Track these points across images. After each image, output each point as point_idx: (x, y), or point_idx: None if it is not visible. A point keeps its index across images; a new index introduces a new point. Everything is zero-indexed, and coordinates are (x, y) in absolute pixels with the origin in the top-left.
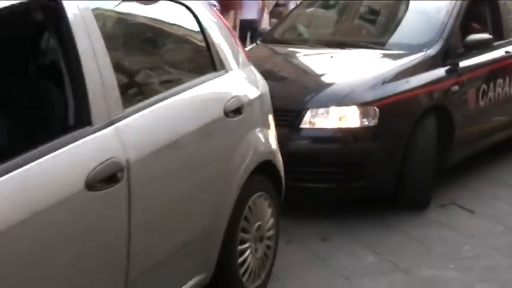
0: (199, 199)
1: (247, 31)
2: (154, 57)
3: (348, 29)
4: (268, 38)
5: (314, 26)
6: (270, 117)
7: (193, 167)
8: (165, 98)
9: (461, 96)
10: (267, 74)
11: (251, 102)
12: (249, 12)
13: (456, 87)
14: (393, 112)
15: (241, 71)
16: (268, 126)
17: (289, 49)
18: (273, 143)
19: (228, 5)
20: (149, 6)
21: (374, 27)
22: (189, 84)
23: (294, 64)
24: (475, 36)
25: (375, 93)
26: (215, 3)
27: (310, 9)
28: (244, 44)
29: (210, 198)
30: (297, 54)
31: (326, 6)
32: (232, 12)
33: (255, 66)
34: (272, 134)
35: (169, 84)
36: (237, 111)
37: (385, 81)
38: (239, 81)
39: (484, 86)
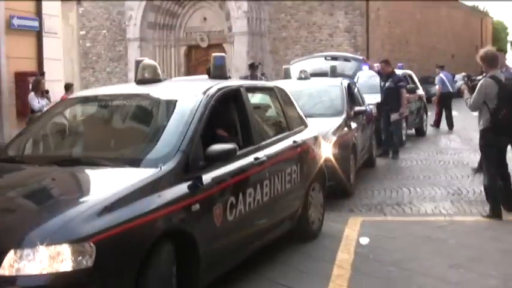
0: None
1: None
2: None
3: (94, 142)
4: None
5: (62, 135)
6: None
7: None
8: None
9: (204, 215)
10: None
11: None
12: None
13: (197, 206)
14: (115, 246)
15: None
16: None
17: (10, 170)
18: None
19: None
20: None
21: (115, 138)
22: None
23: (5, 190)
24: (217, 147)
25: (92, 225)
26: None
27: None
28: None
29: None
30: (14, 177)
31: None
32: None
33: None
34: None
35: None
36: None
37: (105, 209)
38: None
39: (232, 199)
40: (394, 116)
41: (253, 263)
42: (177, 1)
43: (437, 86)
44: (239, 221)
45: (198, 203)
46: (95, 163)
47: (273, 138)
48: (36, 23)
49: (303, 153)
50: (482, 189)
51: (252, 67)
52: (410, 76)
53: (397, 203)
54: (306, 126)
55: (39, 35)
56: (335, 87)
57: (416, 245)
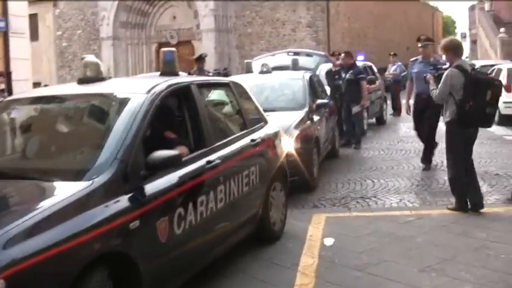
0: None
1: None
2: None
3: (23, 150)
4: None
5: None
6: None
7: None
8: None
9: (145, 232)
10: None
11: None
12: None
13: (137, 223)
14: (32, 279)
15: None
16: None
17: None
18: None
19: None
20: None
21: (46, 146)
22: None
23: None
24: (158, 154)
25: (2, 257)
26: None
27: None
28: None
29: None
30: None
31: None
32: None
33: None
34: None
35: None
36: None
37: (18, 237)
38: None
39: (181, 210)
40: (355, 109)
41: (213, 273)
42: (148, 1)
43: (390, 75)
44: (189, 233)
45: (138, 219)
46: (19, 176)
47: (229, 138)
48: (2, 24)
49: (261, 152)
50: (446, 179)
51: (199, 59)
52: (371, 67)
53: (361, 196)
54: (265, 122)
55: (5, 35)
56: (297, 80)
57: (384, 244)
